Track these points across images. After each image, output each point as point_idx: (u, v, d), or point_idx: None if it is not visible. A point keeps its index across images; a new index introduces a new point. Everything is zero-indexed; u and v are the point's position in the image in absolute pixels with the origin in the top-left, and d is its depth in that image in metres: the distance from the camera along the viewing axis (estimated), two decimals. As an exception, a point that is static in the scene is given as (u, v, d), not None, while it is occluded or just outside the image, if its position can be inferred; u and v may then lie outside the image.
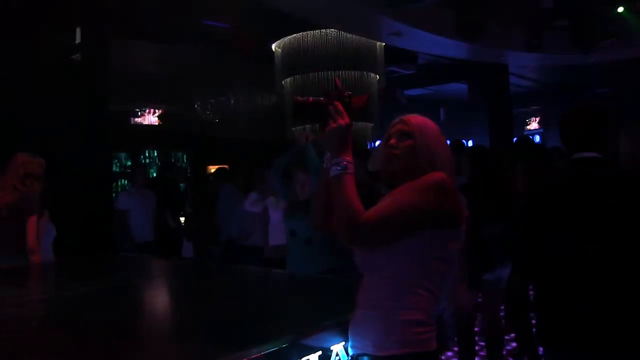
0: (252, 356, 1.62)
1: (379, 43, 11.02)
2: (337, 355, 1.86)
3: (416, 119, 1.94)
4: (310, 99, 1.85)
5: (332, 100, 1.84)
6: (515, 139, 12.82)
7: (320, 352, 1.79)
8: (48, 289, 3.56)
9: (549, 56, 12.05)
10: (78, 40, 9.06)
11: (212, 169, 14.46)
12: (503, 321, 5.63)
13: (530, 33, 10.65)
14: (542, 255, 2.63)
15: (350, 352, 1.88)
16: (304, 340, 1.79)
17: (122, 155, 14.78)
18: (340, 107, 1.83)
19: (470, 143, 15.47)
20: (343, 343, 1.89)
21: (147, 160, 15.62)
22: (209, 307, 2.47)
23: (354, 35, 10.48)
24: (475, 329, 4.99)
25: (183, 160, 15.68)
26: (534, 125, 19.49)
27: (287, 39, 10.82)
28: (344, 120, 1.81)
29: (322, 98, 1.86)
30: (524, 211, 2.81)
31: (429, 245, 1.77)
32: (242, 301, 2.65)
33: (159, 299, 2.80)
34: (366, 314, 1.80)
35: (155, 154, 15.66)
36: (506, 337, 5.51)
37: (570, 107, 2.85)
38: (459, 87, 15.82)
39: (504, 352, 5.20)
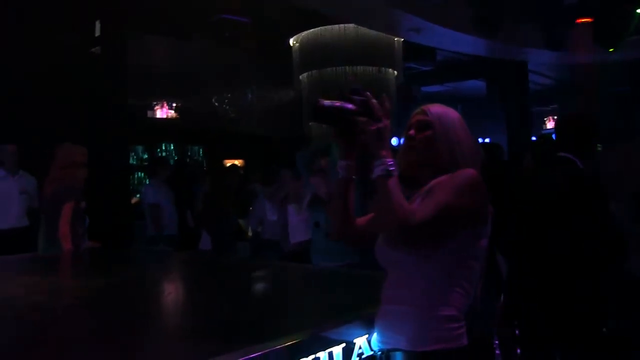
0: (277, 347, 1.61)
1: (397, 39, 10.96)
2: (360, 348, 1.84)
3: (436, 108, 1.90)
4: (337, 103, 1.78)
5: (357, 102, 1.78)
6: (533, 138, 12.77)
7: (343, 345, 1.77)
8: (77, 277, 3.57)
9: (569, 54, 11.91)
10: (97, 33, 9.12)
11: (228, 163, 14.53)
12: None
13: (551, 30, 10.54)
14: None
15: (377, 347, 1.86)
16: (327, 333, 1.77)
17: (139, 148, 14.88)
18: (379, 107, 1.78)
19: (487, 141, 15.39)
20: (366, 336, 1.87)
21: (164, 154, 15.72)
22: (233, 300, 2.46)
23: (372, 31, 10.42)
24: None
25: (199, 155, 15.76)
26: (551, 124, 19.32)
27: (304, 33, 10.79)
28: (383, 122, 1.76)
29: (348, 104, 1.78)
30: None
31: (466, 243, 1.77)
32: (264, 294, 2.65)
33: (183, 291, 2.80)
34: (398, 310, 1.78)
35: (172, 148, 15.75)
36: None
37: (563, 115, 3.24)
38: (476, 85, 15.73)
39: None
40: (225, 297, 2.55)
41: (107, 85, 8.36)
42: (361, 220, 2.02)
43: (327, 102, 1.76)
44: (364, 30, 10.37)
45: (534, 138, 13.92)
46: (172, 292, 2.90)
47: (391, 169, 1.71)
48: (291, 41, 11.11)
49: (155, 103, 14.84)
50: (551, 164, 3.11)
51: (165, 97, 14.71)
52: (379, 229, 1.75)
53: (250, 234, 7.08)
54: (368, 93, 1.81)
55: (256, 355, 1.54)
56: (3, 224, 6.19)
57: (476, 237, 1.79)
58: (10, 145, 6.30)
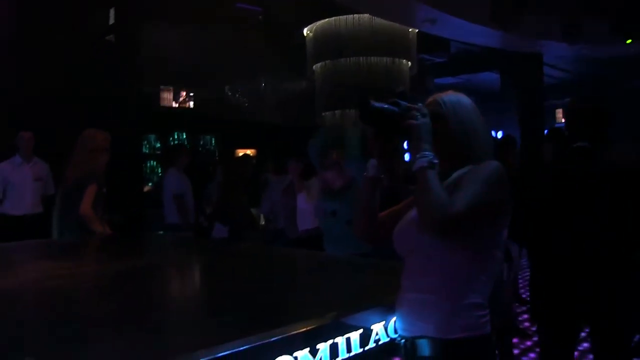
0: (295, 332, 1.62)
1: (411, 30, 10.92)
2: (377, 334, 1.85)
3: (450, 97, 1.90)
4: (385, 104, 1.78)
5: (403, 106, 1.78)
6: (546, 131, 12.68)
7: (361, 330, 1.77)
8: (97, 262, 3.61)
9: (587, 47, 11.82)
10: (112, 21, 9.15)
11: (241, 152, 14.56)
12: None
13: (568, 23, 10.46)
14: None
15: (399, 334, 1.86)
16: (344, 319, 1.77)
17: (152, 137, 14.93)
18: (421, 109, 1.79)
19: (499, 134, 15.33)
20: (383, 323, 1.87)
21: (176, 143, 15.76)
22: (252, 286, 2.48)
23: (386, 21, 10.38)
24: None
25: (211, 144, 15.79)
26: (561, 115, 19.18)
27: (319, 23, 10.77)
28: (425, 119, 1.77)
29: (394, 107, 1.78)
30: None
31: (491, 233, 1.78)
32: (283, 281, 2.67)
33: (206, 275, 2.82)
34: (424, 298, 1.78)
35: (184, 137, 15.79)
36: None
37: (572, 100, 3.18)
38: (490, 77, 15.66)
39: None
40: (244, 282, 2.57)
41: (121, 73, 8.39)
42: (383, 216, 2.02)
43: (376, 104, 1.77)
44: (378, 20, 10.33)
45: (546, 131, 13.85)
46: (194, 276, 2.92)
47: (435, 161, 1.71)
48: (305, 31, 11.09)
49: (168, 92, 14.88)
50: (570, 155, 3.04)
51: (178, 86, 14.75)
52: (422, 221, 1.74)
53: (262, 222, 7.13)
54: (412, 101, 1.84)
55: (276, 339, 1.55)
56: (18, 210, 6.25)
57: (499, 227, 1.80)
58: (26, 132, 6.35)
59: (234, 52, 12.23)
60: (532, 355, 4.93)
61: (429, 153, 1.72)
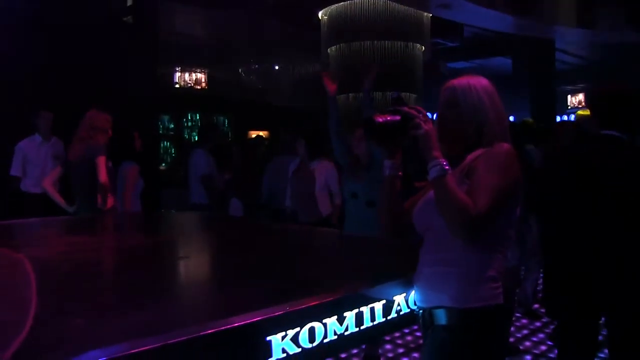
0: (323, 301, 1.74)
1: (425, 14, 10.94)
2: (398, 305, 1.97)
3: (462, 83, 1.99)
4: (388, 117, 1.87)
5: (404, 112, 1.87)
6: (559, 118, 12.72)
7: (384, 301, 1.90)
8: (122, 237, 3.77)
9: (600, 33, 11.81)
10: (130, 3, 9.22)
11: (253, 134, 14.65)
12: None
13: (582, 9, 10.46)
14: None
15: (418, 304, 1.99)
16: (368, 291, 1.90)
17: (165, 117, 15.05)
18: (420, 113, 1.88)
19: (511, 119, 15.35)
20: (404, 295, 2.00)
21: (190, 124, 15.90)
22: (277, 260, 2.64)
23: (400, 5, 10.41)
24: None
25: (225, 125, 15.91)
26: (575, 100, 19.14)
27: (334, 6, 10.80)
28: (427, 126, 1.85)
29: (396, 116, 1.88)
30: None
31: (505, 214, 1.87)
32: (306, 255, 2.81)
33: (234, 251, 2.94)
34: (441, 271, 1.89)
35: (198, 117, 15.91)
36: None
37: (595, 86, 3.00)
38: (502, 62, 15.64)
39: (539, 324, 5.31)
40: (272, 256, 2.71)
41: (138, 54, 8.48)
42: (406, 206, 2.13)
43: (380, 119, 1.87)
44: (393, 4, 10.37)
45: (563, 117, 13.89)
46: (221, 251, 3.05)
47: (446, 167, 1.80)
48: (320, 14, 11.13)
49: (182, 73, 14.96)
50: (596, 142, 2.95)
51: (193, 67, 14.83)
52: (450, 227, 1.83)
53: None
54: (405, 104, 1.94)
55: (307, 307, 1.68)
56: (38, 188, 6.38)
57: (513, 207, 1.90)
58: (45, 111, 6.46)
59: (249, 33, 12.29)
60: (541, 335, 5.06)
61: (440, 160, 1.81)
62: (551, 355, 4.60)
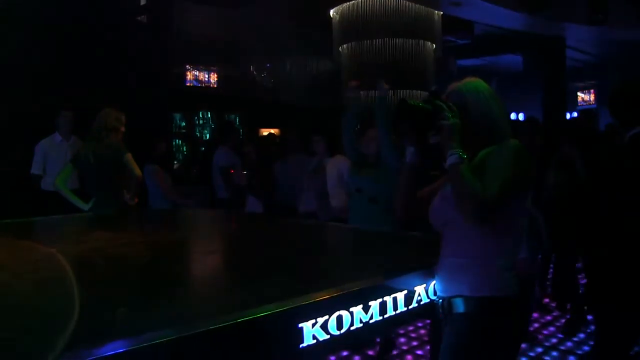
0: (348, 291, 1.85)
1: (436, 12, 11.01)
2: (419, 295, 2.08)
3: (468, 88, 2.11)
4: (420, 104, 2.03)
5: (436, 103, 2.01)
6: (569, 115, 12.74)
7: (405, 291, 2.00)
8: (148, 233, 3.90)
9: (612, 30, 11.83)
10: (144, 2, 9.35)
11: (265, 132, 14.74)
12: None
13: (594, 6, 10.49)
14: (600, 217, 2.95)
15: (438, 294, 2.10)
16: (391, 282, 2.00)
17: (177, 116, 15.15)
18: (451, 108, 2.01)
19: (521, 116, 15.39)
20: (424, 285, 2.10)
21: (201, 122, 15.99)
22: (301, 254, 2.76)
23: (412, 3, 10.48)
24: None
25: (236, 123, 16.00)
26: (586, 97, 19.12)
27: (345, 5, 10.89)
28: (454, 119, 1.99)
29: (429, 106, 2.01)
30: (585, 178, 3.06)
31: (516, 205, 1.99)
32: (333, 250, 2.92)
33: (254, 246, 3.06)
34: (459, 262, 2.01)
35: (209, 116, 16.00)
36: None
37: (620, 83, 3.03)
38: (513, 59, 15.68)
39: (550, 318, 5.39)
40: (295, 250, 2.83)
41: (152, 53, 8.59)
42: (422, 194, 2.24)
43: (412, 102, 2.02)
44: (404, 2, 10.45)
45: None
46: (245, 245, 3.15)
47: (464, 156, 1.94)
48: (332, 12, 11.22)
49: (193, 71, 15.04)
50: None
51: (204, 65, 14.91)
52: (461, 211, 1.95)
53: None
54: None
55: (336, 296, 1.79)
56: (57, 187, 6.51)
57: (523, 199, 2.01)
58: (66, 111, 6.58)
59: (260, 32, 12.37)
60: (552, 329, 5.14)
61: (458, 150, 1.94)
62: (562, 347, 4.69)
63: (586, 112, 6.25)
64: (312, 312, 1.70)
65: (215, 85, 15.18)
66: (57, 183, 4.88)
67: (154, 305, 1.81)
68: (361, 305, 1.84)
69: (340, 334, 1.76)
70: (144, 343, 1.34)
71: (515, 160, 1.95)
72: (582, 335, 4.90)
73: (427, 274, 2.12)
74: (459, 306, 2.00)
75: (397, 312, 1.97)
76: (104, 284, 2.12)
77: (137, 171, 4.81)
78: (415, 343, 4.81)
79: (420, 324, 5.24)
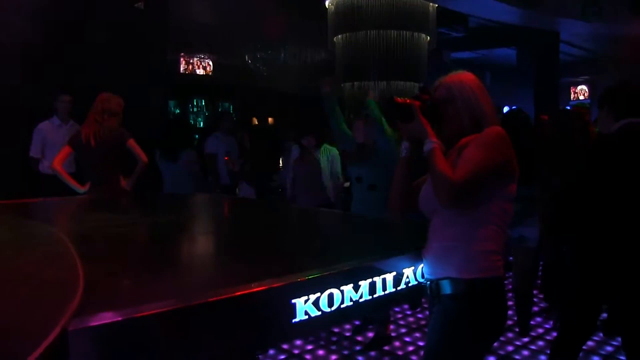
0: (336, 271, 1.94)
1: (431, 4, 11.07)
2: (407, 277, 2.17)
3: (454, 81, 2.20)
4: (408, 100, 2.14)
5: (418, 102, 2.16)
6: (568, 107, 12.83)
7: (394, 273, 2.10)
8: (145, 215, 4.01)
9: (605, 25, 11.93)
10: (141, -12, 9.36)
11: (255, 120, 14.79)
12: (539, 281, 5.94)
13: (588, 1, 10.58)
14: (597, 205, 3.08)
15: (426, 277, 2.20)
16: (380, 264, 2.09)
17: (171, 103, 15.18)
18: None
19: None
20: (412, 268, 2.19)
21: (195, 109, 16.04)
22: (295, 236, 2.87)
23: (407, -5, 10.55)
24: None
25: (230, 111, 16.05)
26: (581, 93, 19.27)
27: (341, -5, 10.93)
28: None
29: (415, 101, 2.16)
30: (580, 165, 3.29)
31: (500, 188, 2.08)
32: (324, 233, 3.04)
33: (247, 228, 3.15)
34: (446, 245, 2.11)
35: (203, 104, 16.05)
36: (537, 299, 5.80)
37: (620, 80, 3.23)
38: (506, 53, 15.78)
39: (537, 309, 5.50)
40: (288, 233, 2.93)
41: (149, 40, 8.62)
42: (413, 185, 2.35)
43: (400, 100, 2.15)
44: (399, -6, 10.51)
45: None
46: (239, 227, 3.25)
47: (435, 142, 2.07)
48: (327, 3, 11.26)
49: (188, 58, 15.06)
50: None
51: (198, 53, 14.93)
52: (435, 195, 2.07)
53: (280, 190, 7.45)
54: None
55: (327, 274, 1.88)
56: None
57: (507, 183, 2.10)
58: (65, 95, 6.63)
59: (255, 21, 12.39)
60: (538, 319, 5.26)
61: (431, 138, 2.08)
62: (548, 337, 4.81)
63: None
64: (304, 289, 1.78)
65: (209, 73, 15.22)
66: (55, 165, 4.90)
67: (154, 279, 1.90)
68: (352, 285, 1.93)
69: (331, 311, 1.85)
70: (147, 312, 1.42)
71: (489, 145, 2.04)
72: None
73: (415, 257, 2.21)
74: (446, 288, 2.10)
75: (386, 292, 2.06)
76: (106, 260, 2.20)
77: (143, 157, 4.87)
78: (403, 330, 4.93)
79: (409, 312, 5.37)
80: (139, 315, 1.40)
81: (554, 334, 4.85)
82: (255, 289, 1.66)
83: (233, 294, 1.60)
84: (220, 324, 1.58)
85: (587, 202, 3.16)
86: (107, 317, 1.36)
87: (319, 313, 1.82)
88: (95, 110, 4.89)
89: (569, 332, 3.31)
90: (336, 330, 4.83)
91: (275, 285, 1.72)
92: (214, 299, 1.56)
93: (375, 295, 2.02)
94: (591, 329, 3.34)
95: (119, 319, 1.37)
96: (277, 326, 1.76)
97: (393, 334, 4.76)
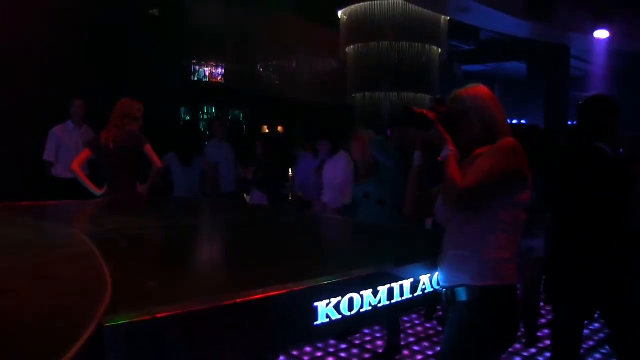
0: (359, 275, 1.98)
1: (443, 17, 11.14)
2: (423, 284, 2.21)
3: (469, 94, 2.27)
4: (424, 111, 2.23)
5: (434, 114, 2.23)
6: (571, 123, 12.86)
7: (412, 279, 2.14)
8: (161, 218, 4.08)
9: (616, 41, 11.96)
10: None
11: (266, 128, 14.82)
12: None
13: (599, 17, 10.63)
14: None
15: (442, 284, 2.24)
16: (397, 271, 2.13)
17: (182, 109, 15.22)
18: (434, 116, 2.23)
19: (523, 122, 15.50)
20: (428, 275, 2.24)
21: (205, 116, 16.09)
22: (314, 242, 2.90)
23: (419, 8, 10.62)
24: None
25: (240, 118, 16.09)
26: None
27: (353, 6, 11.03)
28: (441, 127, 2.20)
29: (430, 112, 2.24)
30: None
31: (512, 197, 2.13)
32: (342, 241, 3.09)
33: (262, 234, 3.19)
34: (461, 254, 2.16)
35: (214, 110, 16.10)
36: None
37: (585, 98, 3.50)
38: (517, 66, 15.82)
39: (544, 321, 5.51)
40: (307, 239, 2.99)
41: (163, 47, 8.72)
42: (432, 193, 2.40)
43: (417, 110, 2.24)
44: (411, 6, 10.59)
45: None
46: (255, 233, 3.28)
47: (451, 149, 2.14)
48: (340, 13, 11.35)
49: (200, 65, 15.12)
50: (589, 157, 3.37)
51: (210, 60, 14.99)
52: (447, 198, 2.14)
53: (290, 198, 7.49)
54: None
55: (347, 279, 1.93)
56: (69, 173, 6.64)
57: (518, 192, 2.14)
58: (78, 99, 6.71)
59: (268, 29, 12.48)
60: (546, 331, 5.27)
61: (449, 146, 2.15)
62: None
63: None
64: (326, 293, 1.83)
65: (220, 80, 15.28)
66: (74, 167, 4.97)
67: (178, 280, 1.95)
68: (371, 290, 1.97)
69: (351, 315, 1.90)
70: (178, 310, 1.47)
71: (500, 155, 2.10)
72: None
73: (431, 265, 2.26)
74: (462, 295, 2.14)
75: (404, 298, 2.10)
76: (128, 260, 2.25)
77: (158, 162, 4.94)
78: (412, 339, 4.95)
79: (417, 322, 5.39)
80: (171, 313, 1.45)
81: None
82: (279, 292, 1.70)
83: (259, 296, 1.65)
84: (247, 323, 1.63)
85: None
86: (140, 314, 1.41)
87: (340, 317, 1.86)
88: (116, 115, 4.95)
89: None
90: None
91: (297, 288, 1.76)
92: (242, 299, 1.60)
93: (393, 301, 2.06)
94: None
95: (152, 317, 1.41)
96: (299, 329, 1.81)
97: (402, 343, 4.78)
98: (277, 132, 9.19)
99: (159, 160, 5.01)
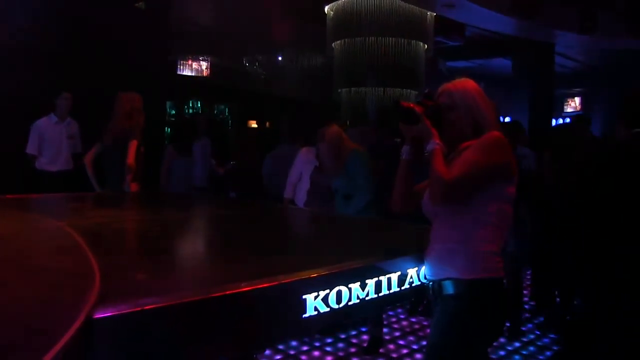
0: (347, 268, 1.99)
1: (429, 13, 11.16)
2: (410, 277, 2.23)
3: (457, 88, 2.28)
4: (412, 105, 2.24)
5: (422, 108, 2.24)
6: (555, 121, 12.95)
7: (399, 273, 2.15)
8: (146, 212, 4.06)
9: (601, 39, 12.05)
10: (143, -12, 9.39)
11: (253, 123, 14.82)
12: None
13: (585, 15, 10.70)
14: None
15: (429, 278, 2.26)
16: (385, 264, 2.15)
17: (168, 103, 15.18)
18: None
19: (507, 119, 15.59)
20: (415, 269, 2.25)
21: (191, 111, 16.06)
22: (300, 236, 2.89)
23: (406, 3, 10.63)
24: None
25: (226, 113, 16.07)
26: (572, 105, 19.41)
27: (340, 2, 11.02)
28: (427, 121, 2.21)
29: (418, 106, 2.25)
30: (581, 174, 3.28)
31: (498, 190, 2.15)
32: (323, 233, 3.07)
33: (248, 228, 3.18)
34: (447, 247, 2.17)
35: (199, 105, 16.07)
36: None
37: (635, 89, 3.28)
38: (502, 63, 15.86)
39: (528, 316, 5.57)
40: (293, 233, 2.98)
41: (149, 41, 8.64)
42: (418, 188, 2.41)
43: (405, 104, 2.25)
44: (397, 2, 10.60)
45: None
46: (240, 227, 3.28)
47: (437, 143, 2.15)
48: (326, 8, 11.34)
49: (186, 60, 15.08)
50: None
51: (196, 55, 14.95)
52: (432, 192, 2.15)
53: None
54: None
55: (336, 272, 1.94)
56: (54, 166, 6.61)
57: (504, 186, 2.16)
58: (66, 93, 6.68)
59: (255, 24, 12.43)
60: (530, 325, 5.33)
61: (435, 140, 2.15)
62: (539, 343, 4.88)
63: (578, 117, 6.47)
64: (314, 286, 1.83)
65: (207, 74, 15.24)
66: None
67: (166, 272, 1.95)
68: (359, 283, 1.98)
69: (339, 308, 1.90)
70: (167, 302, 1.47)
71: (486, 148, 2.12)
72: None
73: (418, 259, 2.27)
74: (449, 288, 2.16)
75: (391, 291, 2.11)
76: (114, 253, 2.25)
77: (129, 159, 4.90)
78: (397, 334, 4.98)
79: (402, 316, 5.42)
80: (161, 305, 1.45)
81: (545, 340, 4.94)
82: (268, 284, 1.71)
83: (248, 288, 1.65)
84: (233, 317, 1.63)
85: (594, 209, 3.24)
86: (130, 306, 1.41)
87: (328, 309, 1.87)
88: (122, 108, 4.94)
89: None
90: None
91: (286, 281, 1.77)
92: (231, 291, 1.60)
93: (381, 294, 2.07)
94: None
95: (142, 308, 1.41)
96: (287, 321, 1.81)
97: (387, 337, 4.81)
98: (251, 128, 9.13)
99: (133, 159, 4.94)
